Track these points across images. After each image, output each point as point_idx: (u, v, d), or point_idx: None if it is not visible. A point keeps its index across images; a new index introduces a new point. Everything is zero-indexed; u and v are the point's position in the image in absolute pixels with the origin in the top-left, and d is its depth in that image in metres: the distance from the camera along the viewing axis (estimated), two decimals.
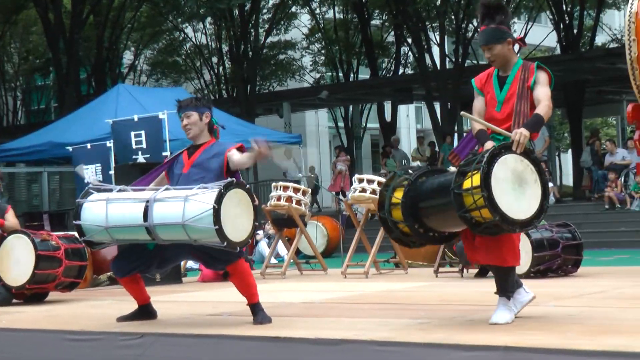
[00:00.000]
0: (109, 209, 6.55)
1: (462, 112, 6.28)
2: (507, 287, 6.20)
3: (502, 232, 5.77)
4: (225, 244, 6.24)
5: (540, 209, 5.73)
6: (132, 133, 14.94)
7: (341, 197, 22.12)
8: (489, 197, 5.50)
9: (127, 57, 36.99)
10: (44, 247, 9.19)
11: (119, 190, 6.76)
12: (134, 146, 14.87)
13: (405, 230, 6.06)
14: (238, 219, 6.37)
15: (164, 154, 14.53)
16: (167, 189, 6.59)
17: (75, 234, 7.51)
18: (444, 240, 6.31)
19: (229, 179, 6.49)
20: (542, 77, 6.27)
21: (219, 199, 6.21)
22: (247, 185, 6.64)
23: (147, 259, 6.90)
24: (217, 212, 6.17)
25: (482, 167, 5.55)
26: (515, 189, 5.65)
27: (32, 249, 9.07)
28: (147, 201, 6.43)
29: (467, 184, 5.62)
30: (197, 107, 6.97)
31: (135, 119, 15.26)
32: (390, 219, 6.07)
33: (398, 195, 6.01)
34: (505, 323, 6.01)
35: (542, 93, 6.18)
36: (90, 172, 15.18)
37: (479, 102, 6.40)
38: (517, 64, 6.33)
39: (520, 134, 5.78)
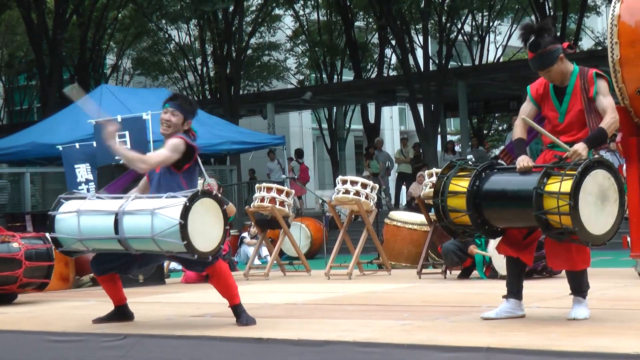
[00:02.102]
0: (81, 221, 6.54)
1: (523, 117, 6.36)
2: (582, 287, 6.32)
3: (569, 240, 5.90)
4: (195, 256, 6.24)
5: (614, 228, 5.91)
6: (116, 134, 14.87)
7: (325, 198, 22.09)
8: (574, 207, 5.63)
9: (110, 57, 36.91)
10: (1, 250, 9.21)
11: (90, 198, 6.74)
12: None
13: (458, 220, 6.16)
14: (207, 228, 6.33)
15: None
16: (136, 198, 6.56)
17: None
18: (496, 234, 6.37)
19: (195, 190, 6.41)
20: (603, 86, 6.30)
21: (185, 214, 6.15)
22: (214, 192, 6.61)
23: (128, 259, 6.87)
24: (183, 227, 6.13)
25: (575, 176, 5.66)
26: (597, 205, 5.79)
27: None
28: (117, 214, 6.40)
29: (553, 187, 5.72)
30: (186, 110, 6.91)
31: (119, 120, 15.21)
32: (446, 206, 6.16)
33: (458, 183, 6.12)
34: (584, 318, 6.14)
35: (607, 104, 6.23)
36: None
37: (528, 107, 6.45)
38: (574, 73, 6.36)
39: (576, 152, 5.94)
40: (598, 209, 5.78)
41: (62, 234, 6.65)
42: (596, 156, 5.98)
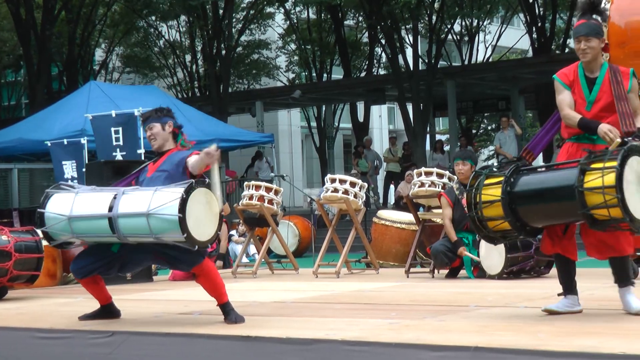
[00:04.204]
0: (76, 199, 6.60)
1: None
2: (628, 274, 6.36)
3: (617, 229, 5.96)
4: (185, 235, 6.24)
5: None
6: (112, 129, 14.88)
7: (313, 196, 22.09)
8: (622, 199, 5.66)
9: (99, 54, 36.84)
10: None
11: (78, 193, 6.75)
12: (114, 142, 14.81)
13: (497, 228, 6.18)
14: (203, 218, 6.39)
15: (139, 151, 14.48)
16: (137, 189, 6.66)
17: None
18: (536, 233, 6.40)
19: (201, 178, 6.54)
20: (636, 85, 6.38)
21: (188, 190, 6.28)
22: (207, 181, 6.67)
23: (109, 261, 6.85)
24: (183, 202, 6.21)
25: (617, 169, 5.68)
26: (638, 191, 5.82)
27: None
28: (116, 193, 6.51)
29: (594, 183, 5.73)
30: (159, 117, 7.02)
31: (114, 115, 15.19)
32: (483, 217, 6.18)
33: (489, 192, 6.14)
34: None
35: (638, 105, 6.34)
36: None
37: (568, 96, 6.40)
38: (604, 66, 6.41)
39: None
40: (638, 195, 5.82)
41: (52, 211, 6.67)
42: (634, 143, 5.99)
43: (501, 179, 6.15)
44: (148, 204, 6.30)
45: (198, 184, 6.39)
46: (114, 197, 6.46)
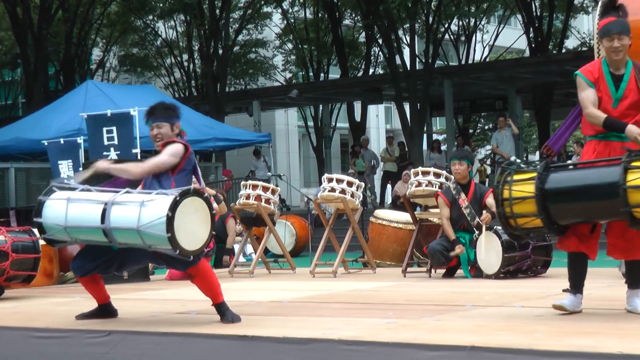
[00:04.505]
0: (69, 209, 6.51)
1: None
2: None
3: None
4: (177, 252, 6.21)
5: None
6: (105, 129, 14.85)
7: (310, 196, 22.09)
8: None
9: (96, 53, 36.80)
10: None
11: (82, 190, 6.71)
12: (105, 142, 14.79)
13: (527, 225, 6.12)
14: (194, 227, 6.32)
15: (134, 150, 14.46)
16: (127, 192, 6.53)
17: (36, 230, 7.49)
18: (562, 231, 6.31)
19: (187, 187, 6.42)
20: None
21: (174, 207, 6.15)
22: (206, 194, 6.60)
23: (108, 260, 6.84)
24: (170, 220, 6.11)
25: None
26: None
27: None
28: (106, 203, 6.39)
29: (638, 181, 5.67)
30: (169, 117, 6.88)
31: (109, 114, 15.17)
32: (513, 214, 6.11)
33: (520, 189, 6.07)
34: None
35: None
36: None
37: (592, 93, 6.31)
38: (629, 64, 6.36)
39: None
40: None
41: (49, 220, 6.63)
42: None
43: (532, 175, 6.07)
44: (136, 219, 6.21)
45: (183, 195, 6.25)
46: (104, 209, 6.37)
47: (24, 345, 6.69)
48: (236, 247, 14.42)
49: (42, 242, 8.30)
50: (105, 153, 14.59)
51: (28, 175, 23.06)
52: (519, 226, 6.17)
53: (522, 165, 6.28)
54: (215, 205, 12.84)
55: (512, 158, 15.84)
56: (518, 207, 6.09)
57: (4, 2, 29.55)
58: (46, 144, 16.41)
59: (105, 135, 14.82)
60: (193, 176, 6.93)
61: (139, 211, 6.23)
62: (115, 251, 6.77)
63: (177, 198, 6.19)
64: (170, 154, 6.74)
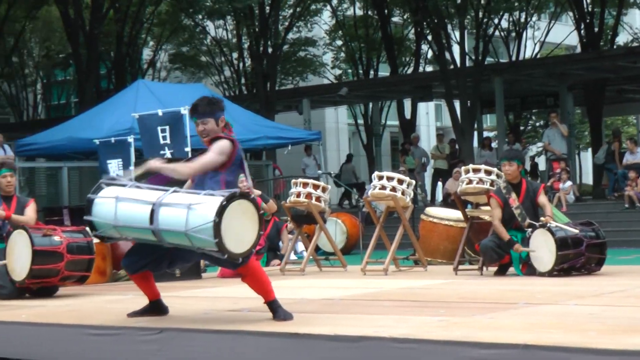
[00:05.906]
0: (118, 208, 6.53)
1: None
2: None
3: None
4: (225, 256, 6.22)
5: None
6: (159, 128, 14.94)
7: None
8: None
9: (147, 52, 37.08)
10: (43, 243, 9.26)
11: (130, 187, 6.75)
12: (161, 141, 14.87)
13: None
14: (241, 230, 6.30)
15: (186, 149, 14.54)
16: (175, 192, 6.53)
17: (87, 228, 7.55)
18: None
19: (234, 190, 6.40)
20: None
21: (220, 212, 6.12)
22: (252, 196, 6.58)
23: (158, 257, 6.87)
24: (217, 226, 6.09)
25: None
26: None
27: (29, 245, 9.16)
28: (154, 204, 6.40)
29: None
30: (213, 112, 6.87)
31: (160, 114, 15.26)
32: None
33: None
34: None
35: None
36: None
37: None
38: None
39: None
40: None
41: (99, 218, 6.67)
42: None
43: None
44: (184, 222, 6.21)
45: (230, 200, 6.21)
46: (152, 210, 6.37)
47: (78, 342, 6.75)
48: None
49: (95, 240, 8.37)
50: (161, 152, 14.68)
51: (81, 174, 23.27)
52: None
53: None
54: (263, 204, 12.87)
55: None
56: None
57: (56, 3, 29.90)
58: (98, 143, 16.55)
59: (160, 135, 14.89)
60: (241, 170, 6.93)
61: (187, 214, 6.23)
62: (165, 249, 6.80)
63: (224, 203, 6.17)
64: (217, 152, 6.74)
